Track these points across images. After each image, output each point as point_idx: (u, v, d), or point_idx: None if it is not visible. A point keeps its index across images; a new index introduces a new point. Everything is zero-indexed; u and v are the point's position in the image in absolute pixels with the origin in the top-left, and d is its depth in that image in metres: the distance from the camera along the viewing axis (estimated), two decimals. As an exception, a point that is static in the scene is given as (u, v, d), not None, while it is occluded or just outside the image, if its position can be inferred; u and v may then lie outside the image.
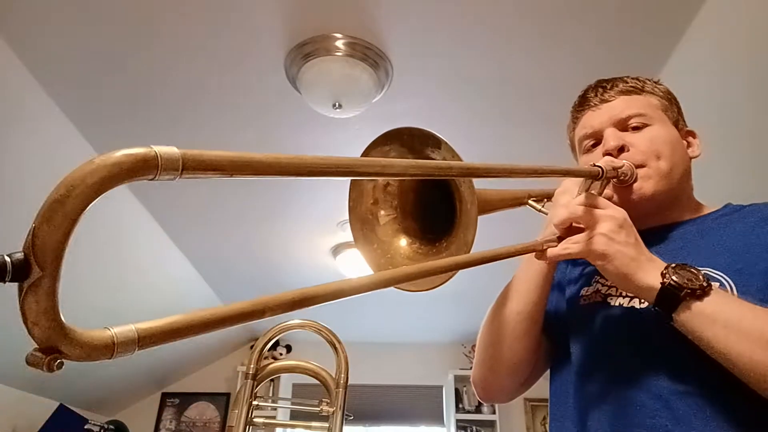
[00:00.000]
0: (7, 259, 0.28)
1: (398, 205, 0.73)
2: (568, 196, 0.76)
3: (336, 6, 1.63)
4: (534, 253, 0.73)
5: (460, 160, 0.62)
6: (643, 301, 0.74)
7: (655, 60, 1.78)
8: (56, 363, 0.30)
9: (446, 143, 0.63)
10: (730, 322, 0.61)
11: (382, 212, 0.72)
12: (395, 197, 0.71)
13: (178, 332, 0.34)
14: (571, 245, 0.69)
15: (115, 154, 0.30)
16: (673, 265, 0.65)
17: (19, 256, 0.28)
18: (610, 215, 0.69)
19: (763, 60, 1.60)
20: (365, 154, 0.69)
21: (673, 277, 0.64)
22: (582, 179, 0.75)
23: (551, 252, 0.71)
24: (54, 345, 0.29)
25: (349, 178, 0.69)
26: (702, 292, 0.63)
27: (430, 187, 0.73)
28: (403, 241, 0.72)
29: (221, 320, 0.36)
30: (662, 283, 0.64)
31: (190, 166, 0.33)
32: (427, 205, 0.72)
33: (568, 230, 0.72)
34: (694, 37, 1.67)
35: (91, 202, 0.29)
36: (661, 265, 0.67)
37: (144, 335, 0.32)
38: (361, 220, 0.72)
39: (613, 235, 0.67)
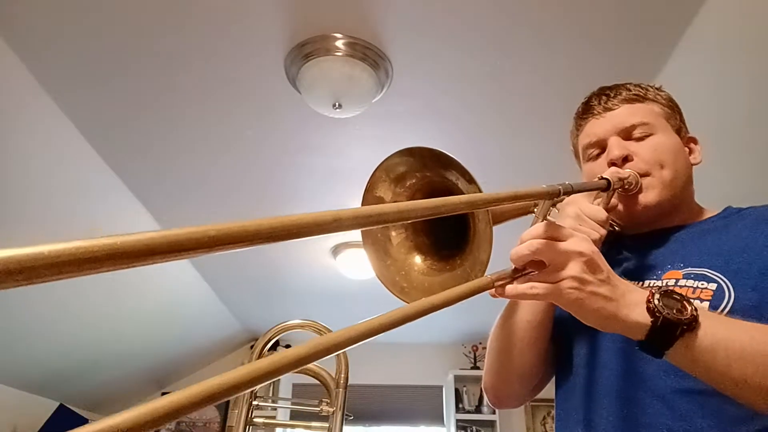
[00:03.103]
0: None
1: (409, 224, 0.73)
2: (575, 207, 0.76)
3: (336, 6, 1.63)
4: (489, 291, 0.63)
5: (472, 178, 0.61)
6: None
7: (653, 62, 1.78)
8: None
9: (458, 163, 0.62)
10: (730, 350, 0.59)
11: (394, 233, 0.72)
12: None
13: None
14: (539, 286, 0.61)
15: None
16: (657, 295, 0.60)
17: None
18: (577, 251, 0.60)
19: (762, 61, 1.60)
20: (375, 173, 0.69)
21: (664, 312, 0.58)
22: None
23: (512, 290, 0.62)
24: None
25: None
26: (695, 323, 0.59)
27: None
28: (417, 258, 0.72)
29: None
30: (653, 321, 0.59)
31: None
32: (439, 220, 0.73)
33: (529, 264, 0.64)
34: (692, 41, 1.67)
35: None
36: (641, 294, 0.61)
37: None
38: (373, 242, 0.72)
39: (583, 275, 0.59)
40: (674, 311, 0.59)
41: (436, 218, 0.70)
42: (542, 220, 0.65)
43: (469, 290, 0.56)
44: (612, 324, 0.61)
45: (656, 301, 0.59)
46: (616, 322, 0.60)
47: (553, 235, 0.61)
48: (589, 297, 0.60)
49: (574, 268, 0.60)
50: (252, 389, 1.25)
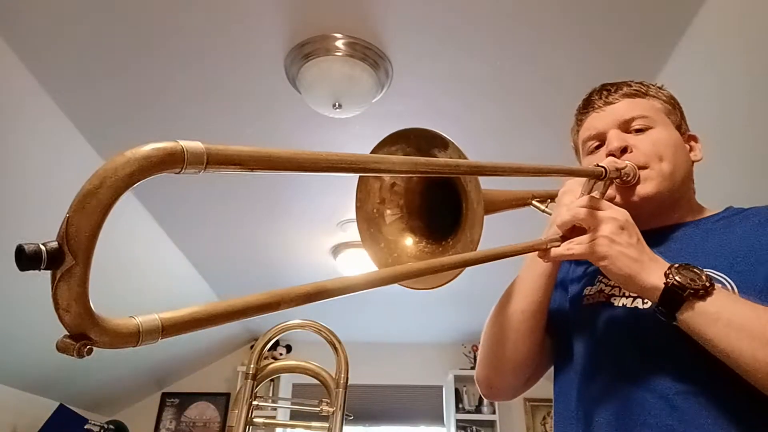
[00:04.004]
0: (42, 247, 0.29)
1: (404, 204, 0.73)
2: (571, 197, 0.77)
3: (336, 6, 1.63)
4: (537, 252, 0.74)
5: (467, 159, 0.62)
6: (646, 300, 0.75)
7: (653, 62, 1.78)
8: (86, 349, 0.31)
9: (453, 144, 0.63)
10: (733, 321, 0.61)
11: (389, 211, 0.73)
12: (401, 196, 0.72)
13: (199, 322, 0.35)
14: (575, 246, 0.70)
15: (144, 147, 0.31)
16: (677, 265, 0.66)
17: (53, 244, 0.29)
18: (612, 217, 0.69)
19: (762, 61, 1.60)
20: (372, 153, 0.69)
21: (677, 277, 0.64)
22: (585, 180, 0.76)
23: (554, 252, 0.72)
24: (84, 331, 0.31)
25: (357, 175, 0.70)
26: (705, 292, 0.63)
27: (436, 186, 0.73)
28: (409, 240, 0.72)
29: (240, 311, 0.36)
30: (665, 283, 0.64)
31: (214, 160, 0.34)
32: (433, 204, 0.73)
33: (571, 231, 0.73)
34: (693, 41, 1.67)
35: (122, 194, 0.30)
36: (664, 265, 0.67)
37: (167, 324, 0.34)
38: (368, 220, 0.72)
39: (615, 236, 0.68)
40: (688, 279, 0.64)
41: (430, 200, 0.71)
42: (587, 194, 0.74)
43: (527, 248, 0.69)
44: (632, 283, 0.68)
45: (674, 270, 0.65)
46: (636, 281, 0.67)
47: (594, 205, 0.71)
48: (618, 255, 0.67)
49: (606, 229, 0.68)
50: (253, 390, 1.25)
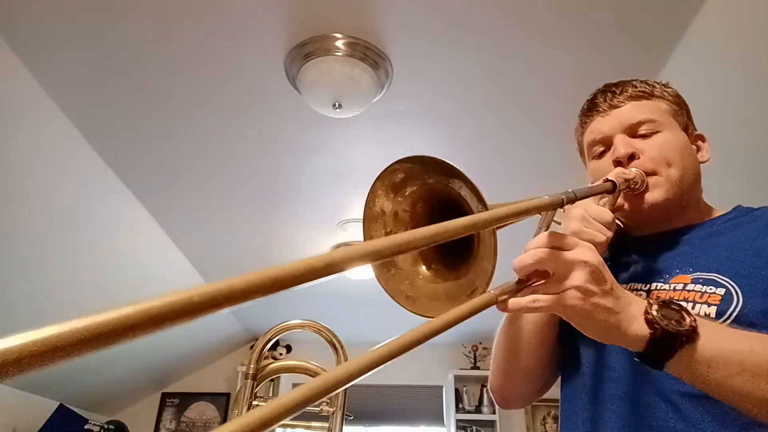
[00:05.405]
0: None
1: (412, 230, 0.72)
2: (580, 208, 0.75)
3: (336, 6, 1.63)
4: (495, 305, 0.62)
5: (475, 187, 0.59)
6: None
7: (653, 63, 1.78)
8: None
9: (462, 173, 0.60)
10: (731, 362, 0.58)
11: None
12: (408, 224, 0.71)
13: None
14: (542, 297, 0.60)
15: None
16: (654, 306, 0.60)
17: None
18: (582, 261, 0.59)
19: (762, 61, 1.60)
20: (378, 180, 0.68)
21: (663, 323, 0.58)
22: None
23: (515, 304, 0.61)
24: None
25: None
26: (694, 334, 0.58)
27: (443, 211, 0.73)
28: (422, 266, 0.71)
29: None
30: (652, 333, 0.58)
31: None
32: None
33: (533, 274, 0.63)
34: (692, 41, 1.67)
35: None
36: (642, 306, 0.60)
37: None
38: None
39: (588, 285, 0.58)
40: (672, 322, 0.58)
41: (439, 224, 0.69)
42: (545, 230, 0.64)
43: (474, 308, 0.55)
44: (612, 336, 0.60)
45: (654, 312, 0.59)
46: (617, 335, 0.60)
47: (558, 244, 0.60)
48: (593, 308, 0.59)
49: (578, 278, 0.58)
50: (253, 392, 1.25)
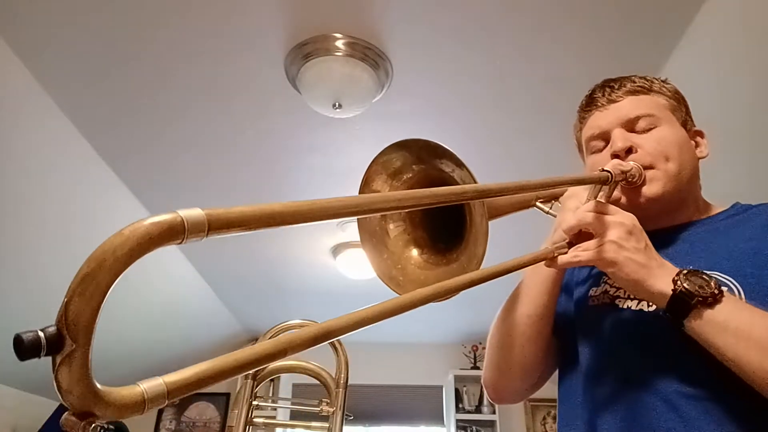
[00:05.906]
0: (41, 334, 0.28)
1: (407, 215, 0.72)
2: (576, 201, 0.75)
3: (336, 6, 1.63)
4: (544, 261, 0.73)
5: (468, 169, 0.60)
6: (651, 303, 0.74)
7: (656, 59, 1.78)
8: (91, 426, 0.31)
9: (452, 153, 0.62)
10: (741, 330, 0.61)
11: (392, 225, 0.72)
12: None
13: (205, 381, 0.34)
14: (581, 253, 0.69)
15: (143, 223, 0.30)
16: (685, 271, 0.65)
17: (53, 330, 0.29)
18: (620, 221, 0.68)
19: (763, 60, 1.60)
20: (371, 166, 0.69)
21: (685, 284, 0.63)
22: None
23: (561, 259, 0.71)
24: (88, 410, 0.31)
25: (357, 178, 0.69)
26: (713, 300, 0.62)
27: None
28: (414, 252, 0.72)
29: (246, 364, 0.36)
30: (673, 290, 0.64)
31: (215, 226, 0.33)
32: (436, 213, 0.72)
33: (577, 236, 0.72)
34: (695, 37, 1.67)
35: (121, 273, 0.30)
36: (673, 270, 0.66)
37: (173, 388, 0.33)
38: (370, 233, 0.71)
39: (622, 242, 0.67)
40: (697, 286, 0.63)
41: (433, 212, 0.70)
42: (593, 200, 0.73)
43: (534, 258, 0.67)
44: (640, 288, 0.67)
45: (683, 276, 0.65)
46: (644, 287, 0.66)
47: (600, 209, 0.70)
48: (625, 261, 0.66)
49: (614, 234, 0.67)
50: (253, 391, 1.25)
